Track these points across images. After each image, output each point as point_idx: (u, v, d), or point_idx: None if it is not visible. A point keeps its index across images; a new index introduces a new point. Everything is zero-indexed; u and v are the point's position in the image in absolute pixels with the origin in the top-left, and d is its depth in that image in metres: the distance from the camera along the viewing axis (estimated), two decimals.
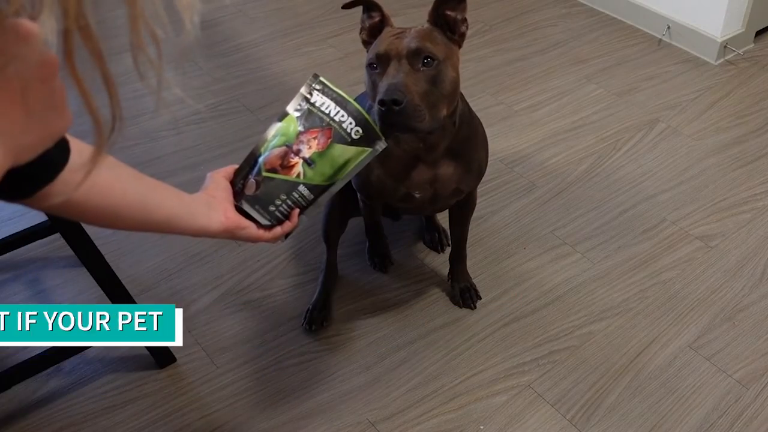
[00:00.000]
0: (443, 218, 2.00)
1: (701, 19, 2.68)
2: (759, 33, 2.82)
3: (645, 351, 1.69)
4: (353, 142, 1.08)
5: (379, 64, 1.32)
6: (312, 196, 1.11)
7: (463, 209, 1.69)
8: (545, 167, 2.22)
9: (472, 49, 2.66)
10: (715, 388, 1.61)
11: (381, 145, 1.11)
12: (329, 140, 1.07)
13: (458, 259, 1.79)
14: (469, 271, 1.83)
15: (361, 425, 1.55)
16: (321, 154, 1.07)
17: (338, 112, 1.07)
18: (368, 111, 1.53)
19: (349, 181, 1.70)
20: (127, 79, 0.58)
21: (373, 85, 1.33)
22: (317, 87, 1.08)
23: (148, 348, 1.63)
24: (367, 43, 1.41)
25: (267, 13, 3.00)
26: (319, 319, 1.74)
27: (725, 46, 2.68)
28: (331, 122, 1.07)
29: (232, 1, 3.07)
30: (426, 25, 1.36)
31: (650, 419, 1.56)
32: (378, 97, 1.25)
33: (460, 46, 1.39)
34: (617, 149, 2.29)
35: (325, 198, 1.13)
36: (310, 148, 1.07)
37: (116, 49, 0.56)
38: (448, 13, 1.35)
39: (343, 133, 1.07)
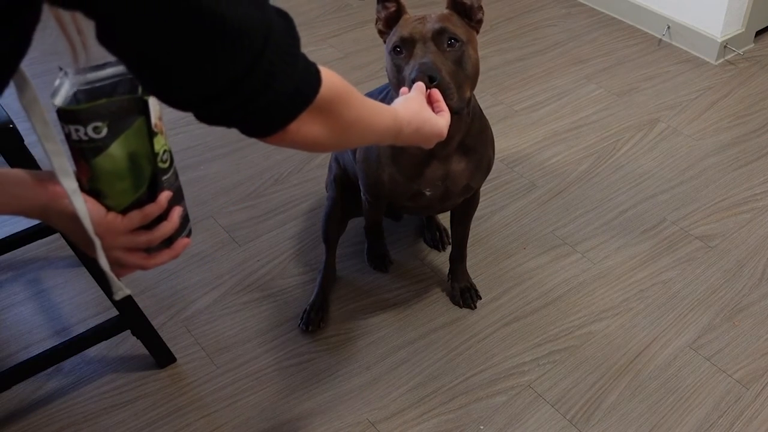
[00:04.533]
0: (443, 217, 2.00)
1: (701, 19, 2.69)
2: (759, 33, 2.82)
3: (645, 351, 1.69)
4: (107, 138, 0.77)
5: (404, 47, 1.32)
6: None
7: (466, 208, 1.69)
8: (545, 167, 2.22)
9: None
10: (715, 388, 1.61)
11: (138, 97, 0.78)
12: (84, 162, 0.79)
13: (459, 259, 1.79)
14: (469, 271, 1.83)
15: (361, 425, 1.55)
16: (93, 178, 0.80)
17: (70, 131, 0.77)
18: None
19: (354, 181, 1.71)
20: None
21: (398, 69, 1.33)
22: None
23: (148, 348, 1.63)
24: (383, 33, 1.41)
25: None
26: (316, 320, 1.74)
27: (725, 46, 2.68)
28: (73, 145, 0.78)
29: None
30: (445, 10, 1.38)
31: (650, 419, 1.56)
32: (411, 76, 1.25)
33: (477, 32, 1.41)
34: (617, 149, 2.29)
35: (171, 184, 0.86)
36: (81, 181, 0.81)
37: None
38: (464, 0, 1.37)
39: (86, 146, 0.77)
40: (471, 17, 1.39)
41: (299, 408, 1.59)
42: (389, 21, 1.40)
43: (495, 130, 2.32)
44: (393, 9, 1.40)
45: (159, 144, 0.81)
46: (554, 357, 1.68)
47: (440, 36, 1.30)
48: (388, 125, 0.97)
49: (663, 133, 2.36)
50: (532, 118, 2.42)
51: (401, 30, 1.34)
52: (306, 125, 0.77)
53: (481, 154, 1.53)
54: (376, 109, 0.93)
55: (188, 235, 0.91)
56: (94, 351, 1.69)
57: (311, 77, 0.75)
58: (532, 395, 1.60)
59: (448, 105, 1.27)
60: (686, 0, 2.70)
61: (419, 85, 1.19)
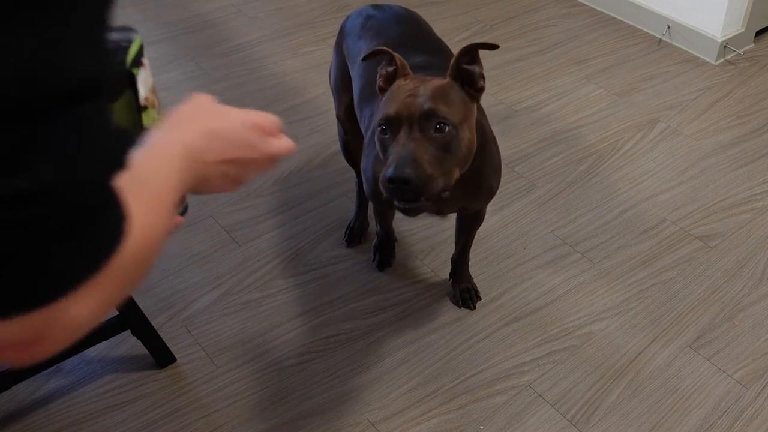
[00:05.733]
0: (449, 223, 2.00)
1: (701, 19, 2.69)
2: (759, 33, 2.82)
3: (645, 351, 1.69)
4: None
5: (389, 128, 1.24)
6: None
7: (469, 221, 1.68)
8: (545, 167, 2.22)
9: None
10: (715, 388, 1.61)
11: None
12: None
13: (461, 261, 1.78)
14: (469, 271, 1.83)
15: (361, 425, 1.55)
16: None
17: None
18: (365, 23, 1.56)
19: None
20: None
21: (383, 147, 1.26)
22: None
23: (148, 348, 1.63)
24: (383, 90, 1.35)
25: (267, 13, 3.00)
26: (357, 235, 1.94)
27: (725, 46, 2.68)
28: None
29: (232, 1, 3.07)
30: (446, 79, 1.30)
31: (650, 419, 1.56)
32: (387, 174, 1.17)
33: (478, 101, 1.34)
34: (617, 149, 2.29)
35: None
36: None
37: None
38: (465, 67, 1.31)
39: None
40: (473, 85, 1.32)
41: (299, 408, 1.59)
42: (389, 79, 1.34)
43: (495, 130, 2.32)
44: (392, 69, 1.34)
45: (149, 118, 0.79)
46: (554, 357, 1.68)
47: (427, 120, 1.21)
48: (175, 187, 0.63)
49: (663, 133, 2.36)
50: (532, 118, 2.42)
51: (389, 105, 1.25)
52: (82, 301, 0.49)
53: (479, 185, 1.46)
54: (164, 207, 0.60)
55: (183, 213, 0.86)
56: (94, 351, 1.69)
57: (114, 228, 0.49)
58: (532, 395, 1.60)
59: (430, 194, 1.19)
60: (686, 0, 2.70)
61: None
